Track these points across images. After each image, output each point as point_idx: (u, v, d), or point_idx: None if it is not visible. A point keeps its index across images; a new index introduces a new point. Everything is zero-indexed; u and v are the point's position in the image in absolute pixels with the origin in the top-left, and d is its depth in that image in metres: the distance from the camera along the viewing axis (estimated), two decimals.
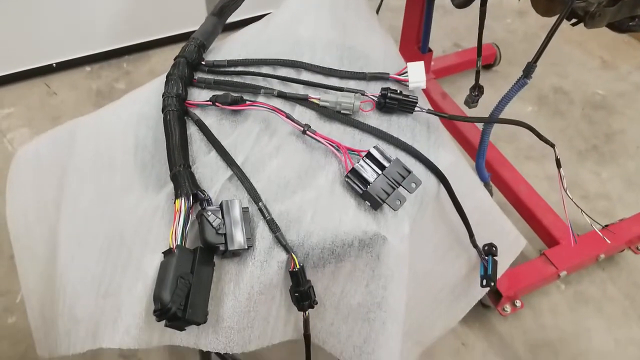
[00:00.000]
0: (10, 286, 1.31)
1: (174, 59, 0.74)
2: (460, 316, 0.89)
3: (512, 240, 0.85)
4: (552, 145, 0.71)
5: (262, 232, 0.60)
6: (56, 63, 1.83)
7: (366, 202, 0.62)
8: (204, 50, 0.77)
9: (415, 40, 1.46)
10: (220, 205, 0.58)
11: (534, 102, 1.76)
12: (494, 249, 0.79)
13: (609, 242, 0.80)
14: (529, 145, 1.62)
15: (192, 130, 0.68)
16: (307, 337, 0.64)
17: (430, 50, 1.49)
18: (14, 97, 1.78)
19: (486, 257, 0.78)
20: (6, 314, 1.27)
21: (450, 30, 2.03)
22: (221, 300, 0.59)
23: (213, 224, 0.57)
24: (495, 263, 0.79)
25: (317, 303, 0.61)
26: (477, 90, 0.90)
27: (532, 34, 2.00)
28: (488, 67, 1.80)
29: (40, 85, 1.82)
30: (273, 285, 0.60)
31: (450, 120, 1.40)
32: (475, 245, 0.76)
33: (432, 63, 1.60)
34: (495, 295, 1.19)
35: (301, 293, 0.59)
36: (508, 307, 1.21)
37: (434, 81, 1.53)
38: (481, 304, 1.27)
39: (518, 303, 1.21)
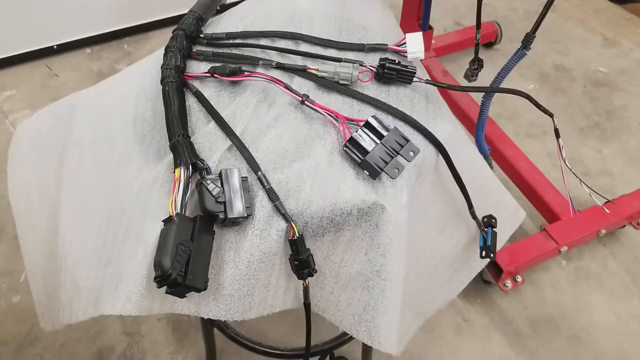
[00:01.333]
0: (15, 266, 1.32)
1: (172, 32, 0.74)
2: (460, 288, 0.89)
3: (511, 212, 0.85)
4: (551, 115, 0.70)
5: (262, 201, 0.60)
6: (57, 45, 1.83)
7: (365, 171, 0.62)
8: (203, 24, 0.77)
9: (415, 18, 1.46)
10: (220, 174, 0.58)
11: (535, 80, 1.76)
12: (494, 220, 0.79)
13: (607, 211, 0.80)
14: (530, 122, 1.62)
15: (191, 102, 0.68)
16: (307, 305, 0.65)
17: (431, 28, 1.48)
18: (16, 79, 1.78)
19: (485, 229, 0.79)
20: (10, 293, 1.29)
21: (452, 9, 2.02)
22: (221, 268, 0.59)
23: (212, 192, 0.57)
24: (494, 235, 0.79)
25: (316, 271, 0.61)
26: (476, 64, 0.90)
27: (533, 12, 1.99)
28: (489, 45, 1.79)
29: (42, 67, 1.83)
30: (272, 253, 0.60)
31: (451, 97, 1.41)
32: (474, 217, 0.76)
33: (433, 41, 1.59)
34: (496, 271, 1.20)
35: (300, 261, 0.60)
36: (509, 283, 1.22)
37: (435, 59, 1.52)
38: (482, 279, 1.28)
39: (519, 278, 1.22)
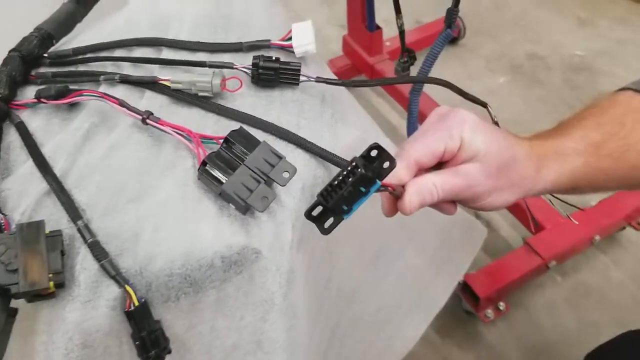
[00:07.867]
0: None
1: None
2: (417, 335, 0.72)
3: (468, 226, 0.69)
4: (484, 105, 0.55)
5: (84, 261, 0.44)
6: None
7: (230, 204, 0.46)
8: (53, 42, 0.63)
9: (360, 19, 1.31)
10: (15, 232, 0.43)
11: (506, 72, 1.60)
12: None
13: (576, 222, 0.64)
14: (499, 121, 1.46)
15: (14, 137, 0.53)
16: None
17: (378, 28, 1.33)
18: None
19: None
20: None
21: (409, 7, 1.87)
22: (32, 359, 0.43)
23: (0, 258, 0.41)
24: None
25: (170, 352, 0.45)
26: (405, 56, 0.74)
27: (501, 2, 1.83)
28: (454, 40, 1.64)
29: None
30: (104, 332, 0.44)
31: (404, 94, 1.24)
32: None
33: (388, 43, 1.44)
34: (473, 299, 1.01)
35: (143, 340, 0.43)
36: (490, 313, 1.04)
37: (388, 62, 1.37)
38: (463, 310, 1.10)
39: (502, 305, 1.04)
